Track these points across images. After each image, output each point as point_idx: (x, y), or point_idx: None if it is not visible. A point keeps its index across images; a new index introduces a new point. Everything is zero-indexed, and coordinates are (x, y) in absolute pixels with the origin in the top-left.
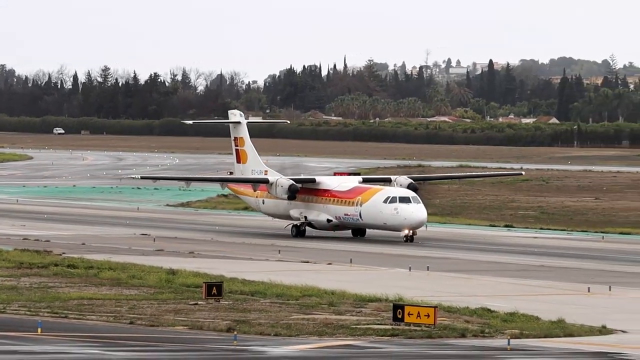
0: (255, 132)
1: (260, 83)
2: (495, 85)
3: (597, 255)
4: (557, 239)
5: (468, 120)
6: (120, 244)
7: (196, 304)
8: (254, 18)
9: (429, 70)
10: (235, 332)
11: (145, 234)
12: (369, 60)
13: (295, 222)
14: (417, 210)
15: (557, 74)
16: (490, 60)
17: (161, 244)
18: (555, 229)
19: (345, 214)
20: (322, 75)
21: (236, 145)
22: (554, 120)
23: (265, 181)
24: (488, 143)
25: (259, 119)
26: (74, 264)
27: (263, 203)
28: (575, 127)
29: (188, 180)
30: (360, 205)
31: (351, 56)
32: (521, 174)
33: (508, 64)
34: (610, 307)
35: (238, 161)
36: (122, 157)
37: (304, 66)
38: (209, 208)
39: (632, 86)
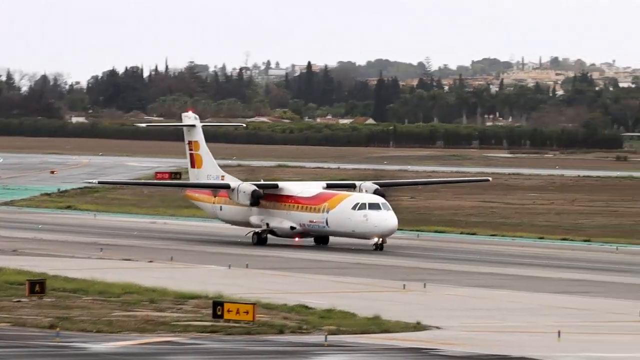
0: (78, 132)
1: (84, 84)
2: (314, 87)
3: (413, 253)
4: None
5: (287, 121)
6: None
7: (19, 301)
8: (77, 20)
9: (248, 72)
10: (57, 329)
11: None
12: (190, 62)
13: (256, 230)
14: (387, 217)
15: (373, 75)
16: (309, 62)
17: None
18: None
19: (310, 221)
20: (144, 77)
21: (190, 149)
22: (370, 121)
23: (227, 186)
24: (306, 143)
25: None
26: None
27: (221, 209)
28: (391, 127)
29: (145, 185)
30: (327, 212)
31: (172, 58)
32: (488, 180)
33: (326, 65)
34: (425, 304)
35: (192, 166)
36: None
37: (126, 67)
38: (33, 207)
39: (446, 88)
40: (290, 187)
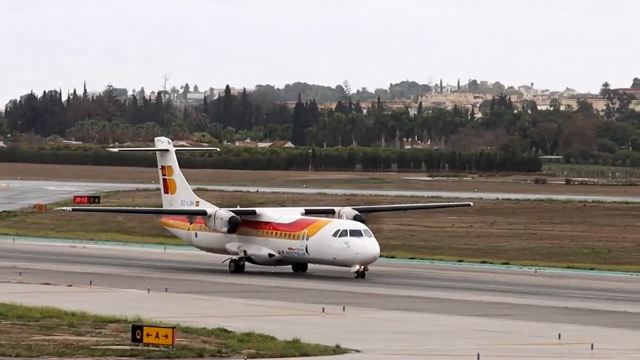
0: None
1: (2, 108)
2: (232, 110)
3: (332, 275)
4: None
5: (206, 145)
6: None
7: None
8: None
9: (167, 96)
10: None
11: None
12: (108, 86)
13: (233, 257)
14: (369, 244)
15: (292, 99)
16: (227, 86)
17: None
18: None
19: (289, 248)
20: (62, 101)
21: (164, 175)
22: (289, 144)
23: (203, 213)
24: (225, 167)
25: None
26: None
27: (196, 236)
28: (310, 151)
29: (121, 212)
30: (307, 239)
31: (91, 82)
32: (469, 205)
33: (244, 89)
34: (345, 327)
35: (166, 191)
36: None
37: (44, 91)
38: None
39: (365, 111)
40: (269, 213)
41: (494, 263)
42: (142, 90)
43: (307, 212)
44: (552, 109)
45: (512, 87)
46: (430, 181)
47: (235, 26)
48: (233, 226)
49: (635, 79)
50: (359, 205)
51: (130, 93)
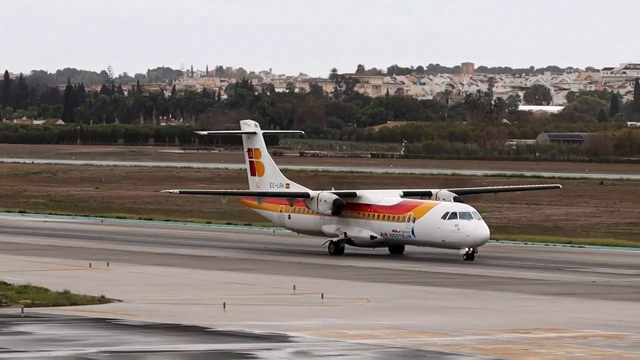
0: None
1: None
2: (10, 92)
3: (97, 236)
4: (63, 223)
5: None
6: None
7: None
8: None
9: None
10: None
11: None
12: None
13: (332, 239)
14: (479, 227)
15: (63, 82)
16: (6, 71)
17: None
18: (61, 214)
19: (393, 230)
20: None
21: (250, 157)
22: (60, 122)
23: (306, 195)
24: (5, 141)
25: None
26: None
27: (289, 218)
28: (78, 127)
29: (226, 194)
30: (413, 221)
31: None
32: (558, 187)
33: (22, 74)
34: (109, 280)
35: (253, 174)
36: None
37: None
38: None
39: (126, 93)
40: (369, 196)
41: (238, 224)
42: None
43: (405, 194)
44: (287, 91)
45: (253, 72)
46: (182, 154)
47: (13, 15)
48: (337, 208)
49: (359, 65)
50: (456, 187)
51: None
